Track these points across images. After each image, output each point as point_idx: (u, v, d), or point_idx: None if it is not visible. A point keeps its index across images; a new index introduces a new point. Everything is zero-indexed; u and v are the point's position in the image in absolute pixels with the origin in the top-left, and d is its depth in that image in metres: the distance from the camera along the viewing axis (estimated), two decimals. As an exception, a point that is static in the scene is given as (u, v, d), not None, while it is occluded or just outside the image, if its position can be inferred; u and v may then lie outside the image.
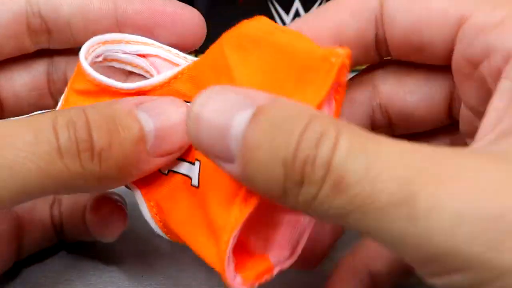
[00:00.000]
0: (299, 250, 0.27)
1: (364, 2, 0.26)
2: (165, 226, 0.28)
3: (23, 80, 0.32)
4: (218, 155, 0.22)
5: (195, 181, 0.27)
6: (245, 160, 0.21)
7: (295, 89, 0.24)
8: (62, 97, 0.30)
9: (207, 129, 0.22)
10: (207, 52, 0.27)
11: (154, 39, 0.30)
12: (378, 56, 0.28)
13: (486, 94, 0.24)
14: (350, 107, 0.28)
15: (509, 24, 0.23)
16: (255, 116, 0.21)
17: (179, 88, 0.28)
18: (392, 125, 0.29)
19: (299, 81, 0.24)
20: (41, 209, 0.34)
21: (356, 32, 0.26)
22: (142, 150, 0.25)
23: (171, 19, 0.29)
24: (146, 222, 0.32)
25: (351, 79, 0.29)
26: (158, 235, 0.36)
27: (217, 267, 0.26)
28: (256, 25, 0.26)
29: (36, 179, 0.23)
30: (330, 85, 0.23)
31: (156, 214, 0.28)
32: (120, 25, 0.30)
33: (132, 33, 0.30)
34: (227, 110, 0.22)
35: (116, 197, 0.33)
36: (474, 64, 0.24)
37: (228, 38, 0.26)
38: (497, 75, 0.23)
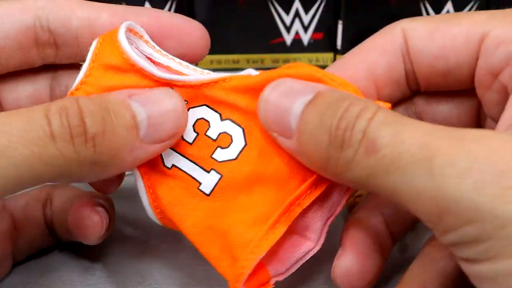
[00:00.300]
0: (294, 269, 0.29)
1: (391, 39, 0.29)
2: (160, 214, 0.29)
3: (27, 92, 0.32)
4: (280, 131, 0.26)
5: (206, 189, 0.29)
6: (299, 133, 0.25)
7: None
8: (83, 70, 0.29)
9: (273, 109, 0.26)
10: (252, 77, 0.29)
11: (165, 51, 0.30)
12: (409, 90, 0.30)
13: (506, 102, 0.26)
14: None
15: None
16: (314, 98, 0.25)
17: (209, 93, 0.29)
18: None
19: None
20: (34, 208, 0.34)
21: (387, 69, 0.29)
22: (135, 137, 0.26)
23: (178, 32, 0.30)
24: (145, 222, 0.33)
25: None
26: (158, 236, 0.36)
27: (229, 278, 0.28)
28: (306, 70, 0.28)
29: (30, 165, 0.24)
30: None
31: (154, 201, 0.29)
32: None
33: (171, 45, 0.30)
34: (291, 94, 0.26)
35: (101, 200, 0.32)
36: (495, 74, 0.27)
37: (278, 74, 0.28)
38: None
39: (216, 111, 0.29)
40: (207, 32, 0.31)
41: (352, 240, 0.29)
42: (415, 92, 0.31)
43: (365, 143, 0.23)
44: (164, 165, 0.29)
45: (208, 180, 0.29)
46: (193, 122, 0.29)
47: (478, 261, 0.22)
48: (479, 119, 0.30)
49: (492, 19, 0.27)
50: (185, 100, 0.29)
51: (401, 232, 0.31)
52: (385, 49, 0.29)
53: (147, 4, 0.51)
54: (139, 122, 0.26)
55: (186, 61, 0.30)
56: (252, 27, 0.53)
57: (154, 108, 0.27)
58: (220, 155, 0.29)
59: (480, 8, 0.51)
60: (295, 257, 0.29)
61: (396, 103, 0.31)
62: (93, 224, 0.31)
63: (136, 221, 0.37)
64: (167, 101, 0.27)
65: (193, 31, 0.30)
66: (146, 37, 0.30)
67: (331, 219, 0.29)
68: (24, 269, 0.34)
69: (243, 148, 0.29)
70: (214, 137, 0.29)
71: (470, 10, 0.51)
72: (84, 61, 0.30)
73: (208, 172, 0.29)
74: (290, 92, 0.26)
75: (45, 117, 0.24)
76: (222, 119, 0.29)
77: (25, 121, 0.24)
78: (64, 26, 0.30)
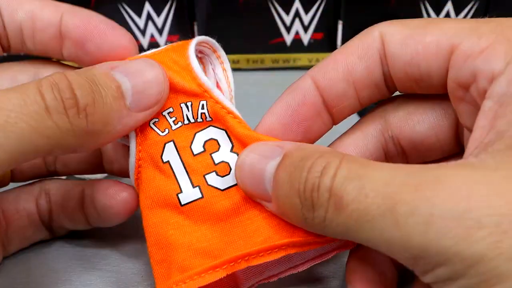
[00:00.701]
0: None
1: (368, 44, 0.29)
2: (137, 187, 0.31)
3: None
4: (260, 196, 0.28)
5: (183, 199, 0.30)
6: (275, 197, 0.27)
7: None
8: (152, 50, 0.31)
9: (248, 175, 0.28)
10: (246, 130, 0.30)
11: (85, 53, 0.31)
12: (388, 91, 0.30)
13: (478, 113, 0.26)
14: (364, 141, 0.31)
15: (493, 50, 0.26)
16: (282, 160, 0.27)
17: (232, 123, 0.30)
18: (405, 155, 0.31)
19: None
20: (26, 201, 0.34)
21: (365, 72, 0.29)
22: (123, 106, 0.28)
23: (101, 36, 0.31)
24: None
25: (364, 115, 0.32)
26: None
27: (157, 285, 0.29)
28: None
29: (29, 138, 0.25)
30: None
31: (138, 173, 0.30)
32: (62, 37, 0.31)
33: (70, 45, 0.31)
34: (262, 158, 0.28)
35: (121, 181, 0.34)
36: (465, 87, 0.27)
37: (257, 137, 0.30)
38: (484, 96, 0.25)
39: (230, 141, 0.30)
40: (134, 43, 0.31)
41: (360, 280, 0.29)
42: (393, 92, 0.31)
43: (333, 201, 0.24)
44: (161, 156, 0.30)
45: (189, 193, 0.30)
46: (207, 139, 0.30)
47: None
48: (458, 135, 0.30)
49: (462, 30, 0.27)
50: (211, 117, 0.30)
51: None
52: (363, 52, 0.29)
53: (147, 4, 0.51)
54: (124, 91, 0.28)
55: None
56: (252, 27, 0.53)
57: (137, 77, 0.29)
58: (212, 179, 0.30)
59: (480, 8, 0.52)
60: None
61: (371, 128, 0.31)
62: (123, 200, 0.32)
63: (136, 221, 0.37)
64: (149, 71, 0.29)
65: (117, 38, 0.31)
66: (220, 52, 0.32)
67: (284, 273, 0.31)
68: (24, 269, 0.34)
69: (234, 185, 0.30)
70: (216, 162, 0.30)
71: (470, 10, 0.52)
72: (28, 54, 0.32)
73: (194, 187, 0.30)
74: (261, 156, 0.28)
75: (38, 92, 0.26)
76: (232, 151, 0.30)
77: (20, 97, 0.25)
78: (11, 16, 0.31)
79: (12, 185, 0.35)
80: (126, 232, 0.36)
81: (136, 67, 0.29)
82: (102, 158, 0.35)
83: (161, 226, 0.29)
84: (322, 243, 0.28)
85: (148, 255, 0.35)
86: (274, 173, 0.27)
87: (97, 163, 0.35)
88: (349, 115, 0.31)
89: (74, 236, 0.36)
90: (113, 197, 0.32)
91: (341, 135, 0.32)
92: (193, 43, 0.31)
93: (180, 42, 0.31)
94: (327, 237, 0.28)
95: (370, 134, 0.31)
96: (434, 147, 0.30)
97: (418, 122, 0.30)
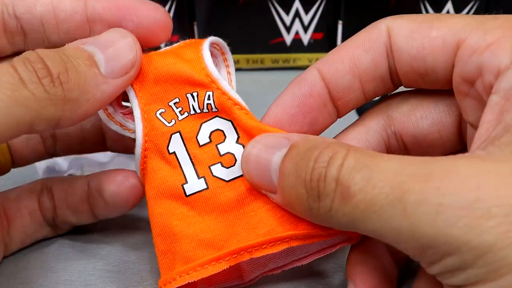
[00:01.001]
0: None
1: (374, 37, 0.29)
2: (142, 177, 0.31)
3: None
4: (265, 188, 0.28)
5: (188, 190, 0.30)
6: (280, 187, 0.27)
7: None
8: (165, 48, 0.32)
9: (254, 166, 0.28)
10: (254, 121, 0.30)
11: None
12: (393, 86, 0.30)
13: (483, 110, 0.26)
14: (366, 135, 0.31)
15: (499, 45, 0.26)
16: (288, 151, 0.27)
17: (238, 114, 0.30)
18: (407, 151, 0.31)
19: None
20: (28, 199, 0.34)
21: (371, 65, 0.29)
22: (97, 73, 0.28)
23: (136, 14, 0.31)
24: (146, 222, 0.33)
25: (367, 110, 0.32)
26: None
27: (162, 276, 0.30)
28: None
29: (8, 109, 0.25)
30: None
31: (144, 163, 0.31)
32: (90, 22, 0.31)
33: (102, 28, 0.31)
34: (269, 149, 0.28)
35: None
36: (470, 82, 0.27)
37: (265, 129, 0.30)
38: (490, 91, 0.25)
39: (236, 132, 0.30)
40: (168, 15, 0.31)
41: (361, 275, 0.29)
42: (398, 87, 0.31)
43: (340, 191, 0.24)
44: (167, 147, 0.30)
45: (194, 184, 0.30)
46: (213, 129, 0.30)
47: (464, 287, 0.23)
48: (460, 132, 0.30)
49: (468, 25, 0.27)
50: (217, 108, 0.30)
51: (404, 258, 0.31)
52: (370, 45, 0.29)
53: (147, 4, 0.51)
54: (97, 60, 0.28)
55: (149, 43, 0.31)
56: (252, 27, 0.53)
57: (108, 46, 0.29)
58: (217, 170, 0.30)
59: (480, 8, 0.52)
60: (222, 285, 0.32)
61: (374, 125, 0.31)
62: (132, 186, 0.32)
63: (136, 221, 0.37)
64: (119, 38, 0.29)
65: (151, 12, 0.31)
66: (228, 55, 0.32)
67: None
68: (24, 269, 0.34)
69: (239, 177, 0.30)
70: (222, 153, 0.30)
71: (470, 9, 0.52)
72: (53, 47, 0.31)
73: (199, 178, 0.30)
74: (267, 147, 0.28)
75: (11, 66, 0.26)
76: (237, 142, 0.30)
77: None
78: (29, 12, 0.31)
79: (12, 185, 0.35)
80: (126, 232, 0.37)
81: (106, 37, 0.29)
82: (105, 136, 0.35)
83: (166, 217, 0.30)
84: (326, 236, 0.28)
85: (148, 254, 0.35)
86: (280, 164, 0.27)
87: (99, 142, 0.36)
88: (354, 108, 0.31)
89: (74, 236, 0.36)
90: (122, 183, 0.32)
91: (344, 129, 0.32)
92: (208, 40, 0.31)
93: (192, 40, 0.31)
94: (331, 230, 0.28)
95: (373, 129, 0.31)
96: (436, 143, 0.30)
97: (421, 117, 0.30)
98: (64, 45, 0.30)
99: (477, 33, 0.26)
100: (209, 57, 0.30)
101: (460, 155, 0.24)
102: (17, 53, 0.32)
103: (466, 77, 0.27)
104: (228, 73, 0.32)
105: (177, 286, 0.28)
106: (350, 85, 0.30)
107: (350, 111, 0.31)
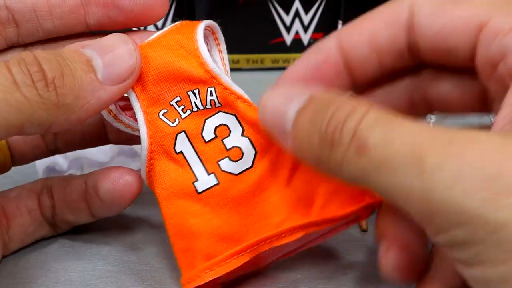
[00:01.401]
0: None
1: (396, 12, 0.29)
2: (150, 182, 0.31)
3: None
4: (277, 132, 0.28)
5: (199, 187, 0.30)
6: (293, 135, 0.27)
7: None
8: (157, 33, 0.31)
9: (270, 112, 0.28)
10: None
11: (118, 13, 0.31)
12: (412, 61, 0.30)
13: (506, 91, 0.26)
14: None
15: None
16: (307, 101, 0.26)
17: (242, 107, 0.30)
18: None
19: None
20: (27, 198, 0.34)
21: (390, 39, 0.29)
22: (94, 79, 0.28)
23: None
24: (146, 222, 0.33)
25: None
26: (158, 236, 0.36)
27: (183, 275, 0.30)
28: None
29: None
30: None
31: (151, 166, 0.31)
32: (84, 4, 0.31)
33: (97, 9, 0.31)
34: (287, 98, 0.27)
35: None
36: (493, 65, 0.27)
37: None
38: None
39: (241, 125, 0.30)
40: None
41: (393, 236, 0.28)
42: (418, 64, 0.31)
43: (356, 143, 0.24)
44: (174, 147, 0.30)
45: (205, 180, 0.30)
46: (218, 125, 0.30)
47: (471, 264, 0.22)
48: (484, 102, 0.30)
49: (492, 7, 0.27)
50: (220, 103, 0.30)
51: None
52: (390, 20, 0.29)
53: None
54: (94, 65, 0.28)
55: (145, 22, 0.31)
56: (252, 27, 0.53)
57: (107, 51, 0.28)
58: (226, 165, 0.30)
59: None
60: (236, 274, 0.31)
61: (403, 75, 0.31)
62: (127, 183, 0.32)
63: (136, 221, 0.37)
64: (119, 44, 0.29)
65: None
66: (218, 34, 0.32)
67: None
68: (24, 268, 0.34)
69: (247, 169, 0.30)
70: (228, 147, 0.30)
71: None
72: (45, 36, 0.31)
73: (209, 174, 0.30)
74: (286, 96, 0.27)
75: (5, 67, 0.26)
76: (242, 135, 0.30)
77: None
78: (20, 0, 0.30)
79: (13, 184, 0.35)
80: (126, 232, 0.37)
81: (106, 42, 0.29)
82: (106, 128, 0.35)
83: (181, 216, 0.30)
84: (340, 219, 0.29)
85: (148, 254, 0.35)
86: (297, 112, 0.26)
87: (100, 135, 0.35)
88: (370, 80, 0.31)
89: (74, 236, 0.36)
90: (117, 180, 0.32)
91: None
92: (201, 26, 0.31)
93: (183, 23, 0.31)
94: (343, 213, 0.28)
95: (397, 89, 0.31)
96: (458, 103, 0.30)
97: (447, 84, 0.30)
98: (59, 34, 0.29)
99: (501, 15, 0.26)
100: (205, 50, 0.30)
101: (485, 131, 0.24)
102: (13, 48, 0.32)
103: (489, 60, 0.27)
104: (220, 51, 0.32)
105: (203, 282, 0.29)
106: (367, 57, 0.30)
107: (365, 83, 0.31)
